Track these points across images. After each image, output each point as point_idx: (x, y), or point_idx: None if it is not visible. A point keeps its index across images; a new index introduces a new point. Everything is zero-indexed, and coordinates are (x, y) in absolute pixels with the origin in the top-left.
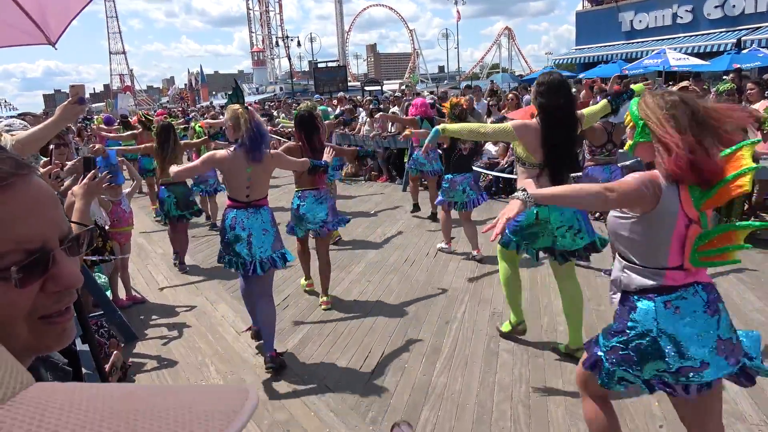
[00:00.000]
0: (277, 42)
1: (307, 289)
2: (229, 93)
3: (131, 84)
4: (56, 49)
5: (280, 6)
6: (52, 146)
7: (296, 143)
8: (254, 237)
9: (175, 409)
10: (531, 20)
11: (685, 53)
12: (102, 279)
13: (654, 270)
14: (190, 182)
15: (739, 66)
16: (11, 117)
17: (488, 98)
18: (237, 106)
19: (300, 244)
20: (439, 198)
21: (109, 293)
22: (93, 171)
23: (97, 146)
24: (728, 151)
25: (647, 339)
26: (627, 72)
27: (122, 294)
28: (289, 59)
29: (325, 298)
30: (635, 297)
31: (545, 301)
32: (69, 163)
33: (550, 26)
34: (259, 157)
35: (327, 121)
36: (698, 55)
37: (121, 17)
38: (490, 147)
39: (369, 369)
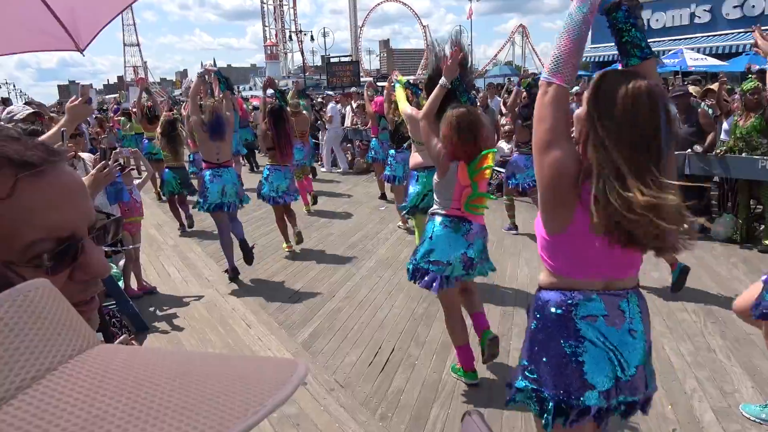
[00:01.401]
0: (290, 36)
1: (286, 251)
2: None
3: (145, 76)
4: (84, 55)
5: (294, 0)
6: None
7: (265, 129)
8: (227, 187)
9: (228, 376)
10: (545, 18)
11: (703, 53)
12: (114, 269)
13: (445, 206)
14: (187, 166)
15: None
16: (26, 104)
17: (504, 95)
18: (211, 100)
19: (276, 214)
20: (385, 173)
21: (120, 283)
22: (103, 162)
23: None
24: (484, 152)
25: (429, 241)
26: None
27: (133, 284)
28: (302, 54)
29: (285, 245)
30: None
31: None
32: (84, 155)
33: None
34: (217, 137)
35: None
36: (716, 56)
37: (136, 9)
38: (503, 145)
39: (379, 365)
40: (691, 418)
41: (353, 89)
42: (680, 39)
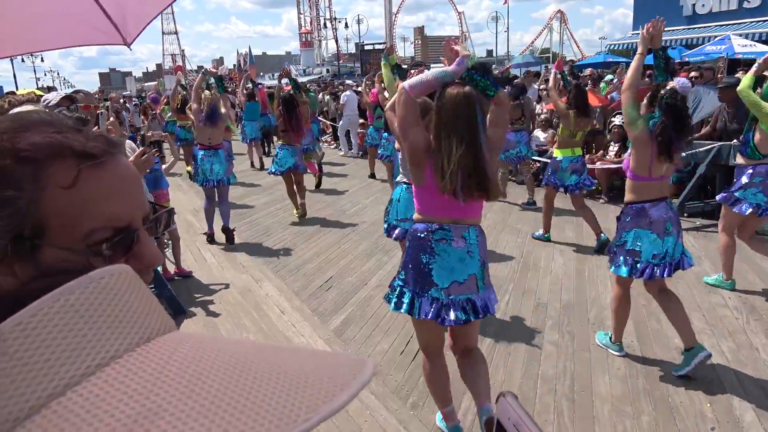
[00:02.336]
0: (324, 24)
1: (297, 215)
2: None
3: (182, 64)
4: (131, 49)
5: None
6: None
7: (279, 115)
8: (215, 166)
9: (293, 372)
10: (584, 3)
11: (753, 40)
12: None
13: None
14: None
15: None
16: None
17: (541, 85)
18: (208, 92)
19: (287, 185)
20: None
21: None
22: (141, 149)
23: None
24: None
25: (396, 203)
26: (687, 59)
27: (170, 268)
28: (336, 41)
29: (298, 212)
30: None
31: (593, 293)
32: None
33: (604, 10)
34: (211, 124)
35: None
36: (767, 42)
37: None
38: (538, 134)
39: (411, 354)
40: (731, 418)
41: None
42: (728, 24)
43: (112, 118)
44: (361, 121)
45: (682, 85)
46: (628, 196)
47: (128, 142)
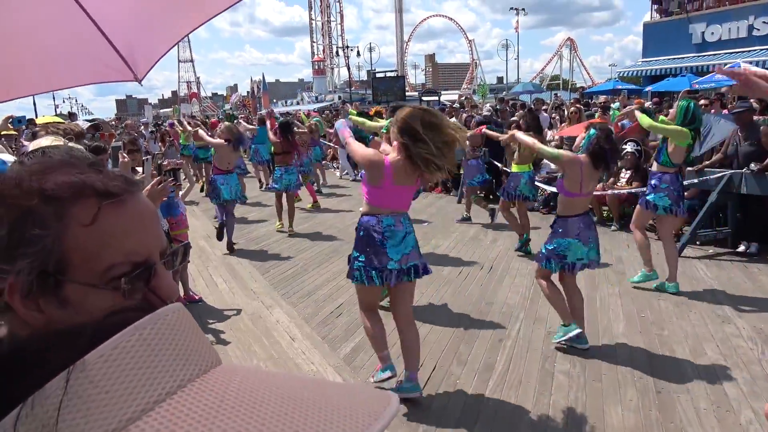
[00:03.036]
0: (337, 51)
1: (278, 228)
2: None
3: (197, 91)
4: (142, 85)
5: (342, 16)
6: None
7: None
8: (233, 187)
9: (329, 405)
10: (594, 31)
11: (763, 67)
12: None
13: None
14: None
15: None
16: (85, 120)
17: (552, 112)
18: (229, 123)
19: (276, 199)
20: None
21: None
22: (159, 177)
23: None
24: None
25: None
26: (697, 86)
27: (179, 292)
28: (348, 69)
29: (280, 224)
30: None
31: (604, 321)
32: (140, 169)
33: (614, 37)
34: (235, 150)
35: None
36: None
37: None
38: (548, 161)
39: (420, 382)
40: None
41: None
42: (738, 52)
43: (126, 159)
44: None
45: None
46: (560, 210)
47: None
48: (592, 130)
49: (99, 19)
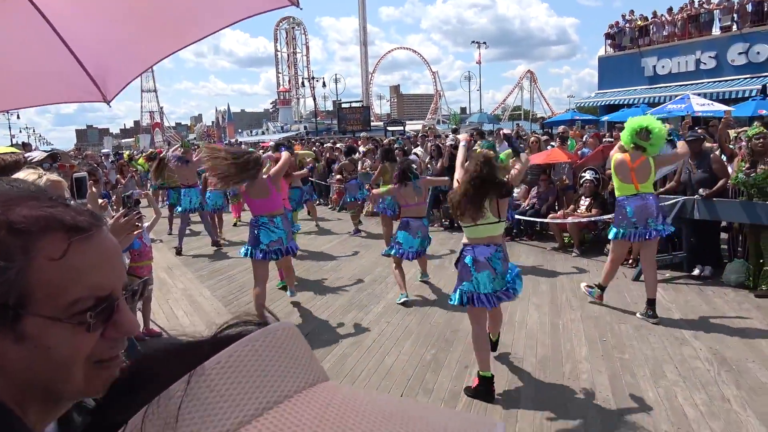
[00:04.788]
0: (303, 82)
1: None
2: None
3: (161, 121)
4: (110, 106)
5: (307, 48)
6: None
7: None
8: (193, 198)
9: (438, 424)
10: (552, 64)
11: (710, 99)
12: None
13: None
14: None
15: (763, 111)
16: (43, 151)
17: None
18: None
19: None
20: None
21: None
22: (123, 210)
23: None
24: None
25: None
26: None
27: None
28: (314, 99)
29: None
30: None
31: (568, 346)
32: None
33: (571, 70)
34: (185, 166)
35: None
36: (723, 101)
37: None
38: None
39: None
40: None
41: (363, 134)
42: (686, 84)
43: (94, 189)
44: (338, 176)
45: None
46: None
47: (101, 200)
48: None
49: (70, 40)
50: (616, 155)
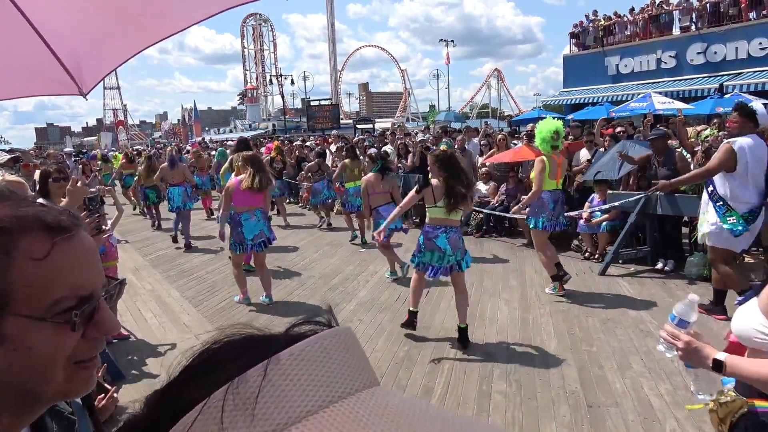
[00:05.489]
0: (270, 80)
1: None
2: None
3: (124, 119)
4: (86, 99)
5: (275, 45)
6: (50, 179)
7: None
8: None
9: None
10: (519, 62)
11: (670, 97)
12: None
13: None
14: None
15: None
16: (1, 150)
17: (482, 140)
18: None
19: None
20: None
21: None
22: (85, 213)
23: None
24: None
25: None
26: (614, 114)
27: None
28: (282, 97)
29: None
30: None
31: (537, 340)
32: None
33: (537, 68)
34: (174, 168)
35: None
36: (683, 99)
37: None
38: (480, 186)
39: None
40: None
41: (333, 132)
42: (648, 83)
43: (80, 183)
44: (307, 176)
45: None
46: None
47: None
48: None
49: (44, 31)
50: (542, 156)
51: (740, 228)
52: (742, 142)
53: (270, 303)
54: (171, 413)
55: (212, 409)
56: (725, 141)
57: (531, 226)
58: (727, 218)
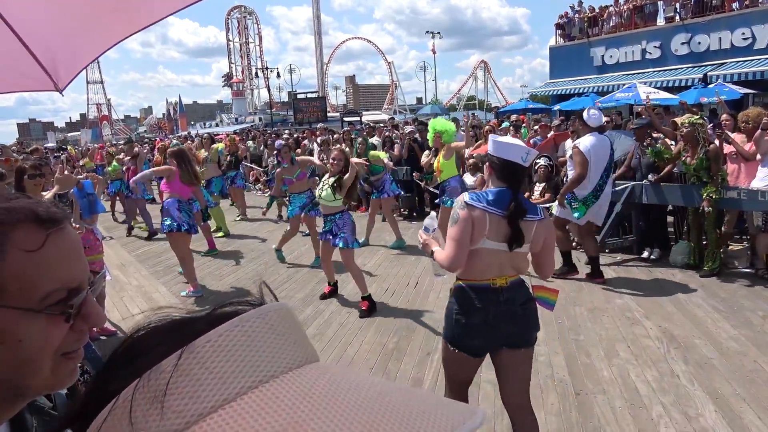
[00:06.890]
0: (256, 73)
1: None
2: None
3: (108, 113)
4: (63, 95)
5: (260, 38)
6: (26, 176)
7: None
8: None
9: (413, 410)
10: (505, 54)
11: (655, 87)
12: None
13: None
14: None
15: (705, 99)
16: None
17: (469, 130)
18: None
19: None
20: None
21: None
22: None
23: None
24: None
25: None
26: (600, 105)
27: None
28: (269, 90)
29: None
30: None
31: None
32: (46, 194)
33: (523, 60)
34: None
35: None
36: (667, 89)
37: None
38: (467, 178)
39: None
40: None
41: (320, 125)
42: (633, 74)
43: (66, 171)
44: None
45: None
46: None
47: (48, 194)
48: None
49: (15, 25)
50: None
51: (579, 213)
52: (585, 142)
53: (193, 295)
54: (96, 406)
55: (125, 403)
56: (573, 144)
57: (447, 205)
58: (572, 204)
